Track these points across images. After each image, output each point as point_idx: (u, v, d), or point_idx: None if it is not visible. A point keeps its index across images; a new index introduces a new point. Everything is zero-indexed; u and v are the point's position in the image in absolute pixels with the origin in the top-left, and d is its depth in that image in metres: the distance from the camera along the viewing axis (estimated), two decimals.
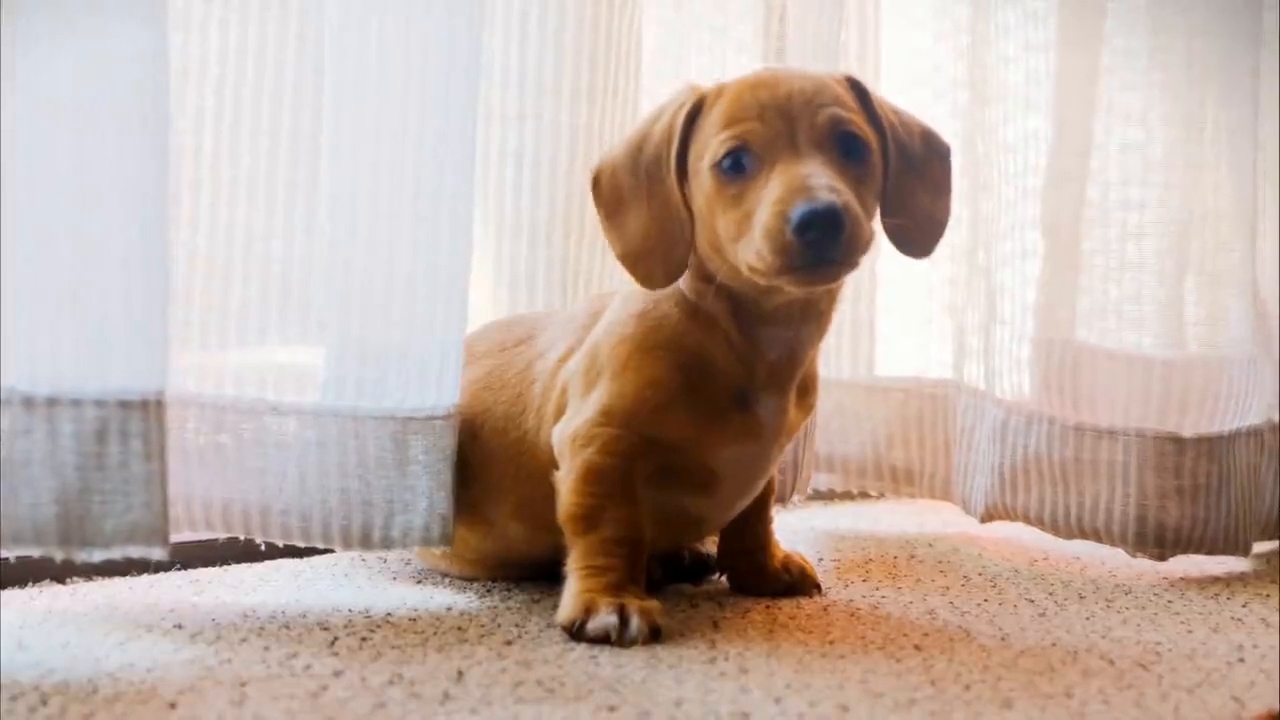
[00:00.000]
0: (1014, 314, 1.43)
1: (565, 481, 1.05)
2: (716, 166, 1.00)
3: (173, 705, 0.82)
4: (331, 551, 1.25)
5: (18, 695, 0.83)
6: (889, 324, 1.61)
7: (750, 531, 1.18)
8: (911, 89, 1.55)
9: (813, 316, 1.06)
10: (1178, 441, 1.35)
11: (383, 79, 1.06)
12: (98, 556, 0.93)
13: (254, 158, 1.09)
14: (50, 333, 0.92)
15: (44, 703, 0.82)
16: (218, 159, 1.09)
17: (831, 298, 1.07)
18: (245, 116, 1.09)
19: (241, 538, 1.10)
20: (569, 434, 1.06)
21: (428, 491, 1.09)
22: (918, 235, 1.07)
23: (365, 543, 1.09)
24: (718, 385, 1.05)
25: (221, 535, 1.09)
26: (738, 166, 0.99)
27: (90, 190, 0.93)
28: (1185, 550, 1.35)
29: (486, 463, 1.12)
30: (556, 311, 1.23)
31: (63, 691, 0.84)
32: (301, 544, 1.10)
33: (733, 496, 1.11)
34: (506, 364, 1.15)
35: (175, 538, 1.17)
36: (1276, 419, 1.43)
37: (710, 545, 1.24)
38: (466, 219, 1.10)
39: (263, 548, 1.16)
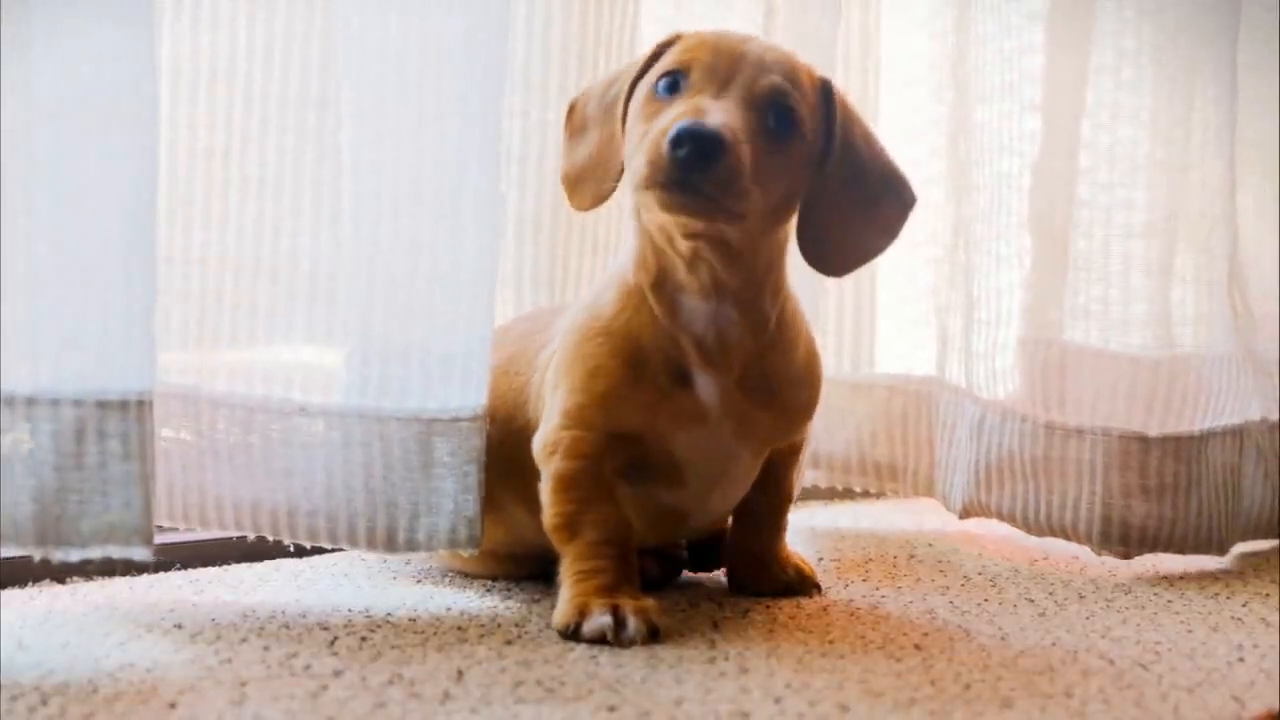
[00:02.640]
0: (992, 312, 1.43)
1: (544, 492, 1.06)
2: (653, 86, 1.02)
3: (173, 705, 0.82)
4: (337, 551, 1.24)
5: (18, 695, 0.83)
6: (883, 323, 1.60)
7: (763, 533, 1.18)
8: (906, 88, 1.55)
9: (727, 294, 1.04)
10: (1143, 440, 1.35)
11: (402, 75, 1.06)
12: (75, 556, 0.93)
13: (280, 155, 1.09)
14: (30, 332, 0.92)
15: (44, 703, 0.81)
16: (245, 158, 1.09)
17: (744, 278, 1.04)
18: (272, 115, 1.09)
19: (270, 538, 1.09)
20: (541, 442, 1.06)
21: (453, 494, 1.08)
22: (829, 252, 1.07)
23: (390, 545, 1.08)
24: (654, 363, 1.05)
25: (252, 535, 1.09)
26: (672, 88, 1.01)
27: (72, 190, 0.92)
28: (1152, 549, 1.35)
29: (499, 446, 1.12)
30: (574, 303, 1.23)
31: (63, 691, 0.84)
32: (329, 545, 1.10)
33: (705, 488, 1.10)
34: (523, 351, 1.15)
35: (188, 537, 1.18)
36: (1275, 419, 1.43)
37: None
38: (491, 217, 1.09)
39: (289, 546, 1.14)
